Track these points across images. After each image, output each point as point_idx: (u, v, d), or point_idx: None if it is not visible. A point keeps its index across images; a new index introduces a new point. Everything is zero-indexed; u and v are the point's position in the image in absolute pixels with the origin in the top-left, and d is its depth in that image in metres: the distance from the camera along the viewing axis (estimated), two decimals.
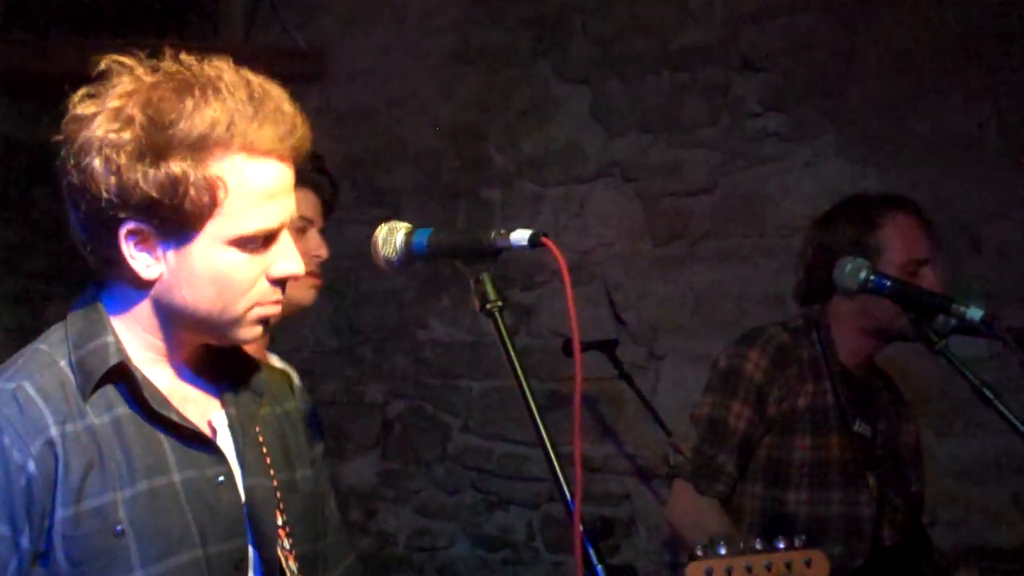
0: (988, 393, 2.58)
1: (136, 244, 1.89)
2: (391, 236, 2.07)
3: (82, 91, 1.90)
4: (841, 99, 4.85)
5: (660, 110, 5.21)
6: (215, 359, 2.10)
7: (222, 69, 1.90)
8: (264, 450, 2.08)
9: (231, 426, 2.05)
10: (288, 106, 1.92)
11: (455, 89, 5.68)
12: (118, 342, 1.95)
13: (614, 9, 5.29)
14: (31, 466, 1.82)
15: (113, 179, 1.84)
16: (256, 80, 1.91)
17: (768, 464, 3.38)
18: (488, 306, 1.97)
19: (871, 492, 3.41)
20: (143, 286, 1.94)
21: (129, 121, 1.84)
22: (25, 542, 1.82)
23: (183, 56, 1.92)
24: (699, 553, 2.79)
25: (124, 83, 1.88)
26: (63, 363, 1.92)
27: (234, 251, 1.89)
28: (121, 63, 1.90)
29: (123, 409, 1.93)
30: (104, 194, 1.84)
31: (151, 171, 1.82)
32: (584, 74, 5.37)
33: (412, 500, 5.67)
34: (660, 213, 5.21)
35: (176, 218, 1.85)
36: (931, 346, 2.64)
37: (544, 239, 1.93)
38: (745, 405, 3.35)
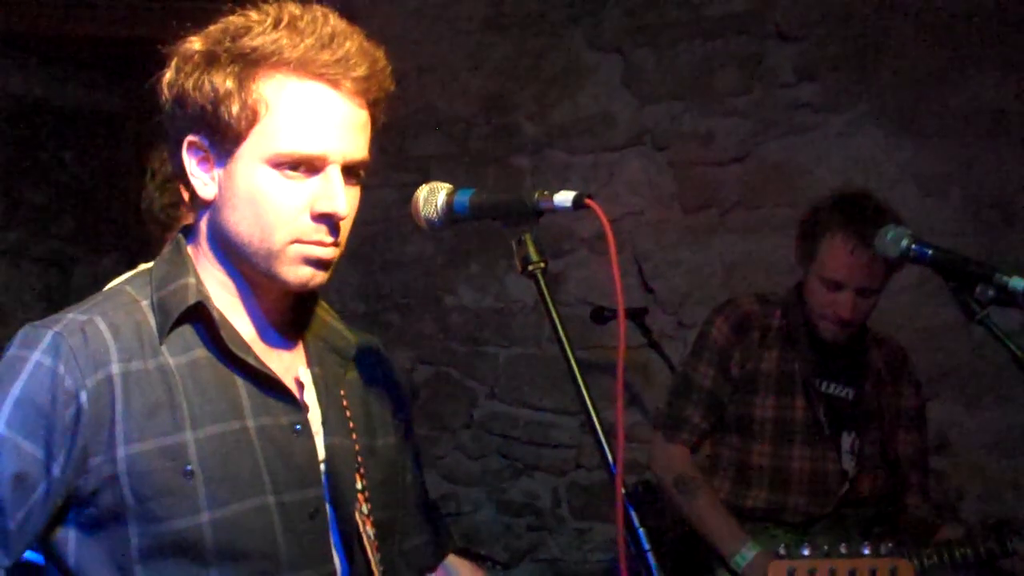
0: None
1: (198, 161, 1.92)
2: (432, 196, 2.04)
3: None
4: (875, 70, 4.82)
5: (692, 79, 5.18)
6: (303, 316, 2.09)
7: (311, 10, 1.90)
8: (348, 413, 2.07)
9: (316, 384, 2.04)
10: (357, 45, 1.90)
11: (486, 56, 5.66)
12: (199, 283, 1.95)
13: None
14: (83, 397, 1.82)
15: (176, 88, 1.90)
16: (337, 21, 1.91)
17: (737, 419, 3.72)
18: (530, 267, 1.95)
19: (851, 449, 3.69)
20: (205, 209, 1.96)
21: (205, 37, 1.90)
22: (56, 470, 1.82)
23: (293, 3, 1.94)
24: (782, 552, 2.83)
25: (230, 16, 1.93)
26: (145, 303, 1.94)
27: (272, 172, 1.88)
28: (242, 4, 1.95)
29: (201, 351, 1.93)
30: (168, 104, 1.92)
31: (202, 80, 1.87)
32: (616, 42, 5.34)
33: (438, 466, 5.68)
34: (691, 182, 5.19)
35: (219, 130, 1.88)
36: (972, 316, 2.61)
37: (588, 200, 1.91)
38: (709, 366, 3.71)
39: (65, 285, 5.88)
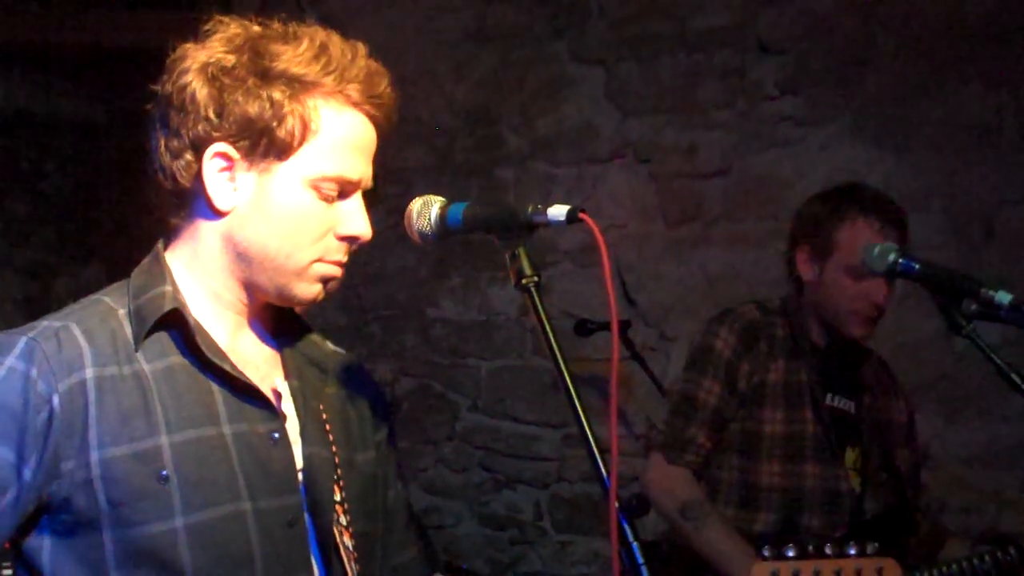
0: (1016, 378, 2.57)
1: (220, 169, 1.93)
2: (425, 210, 2.05)
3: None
4: (857, 84, 4.84)
5: (675, 92, 5.20)
6: (281, 328, 2.10)
7: (331, 35, 1.97)
8: (327, 426, 2.07)
9: (294, 395, 2.04)
10: (383, 77, 2.00)
11: (469, 68, 5.67)
12: (176, 291, 1.96)
13: None
14: (55, 401, 1.82)
15: (214, 96, 1.90)
16: (362, 49, 1.99)
17: (742, 436, 3.49)
18: (524, 281, 1.95)
19: (855, 466, 3.52)
20: (215, 217, 1.96)
21: (238, 49, 1.92)
22: (28, 474, 1.81)
23: (293, 23, 2.00)
24: (766, 553, 2.81)
25: (232, 28, 1.96)
26: (121, 312, 1.95)
27: (311, 193, 1.93)
28: (228, 19, 1.98)
29: (177, 358, 1.93)
30: (202, 111, 1.90)
31: (253, 92, 1.89)
32: (599, 55, 5.36)
33: (420, 478, 5.67)
34: (673, 195, 5.20)
35: (266, 145, 1.91)
36: (959, 330, 2.63)
37: (582, 215, 1.92)
38: (715, 381, 3.46)
39: (46, 296, 5.85)
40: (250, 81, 1.90)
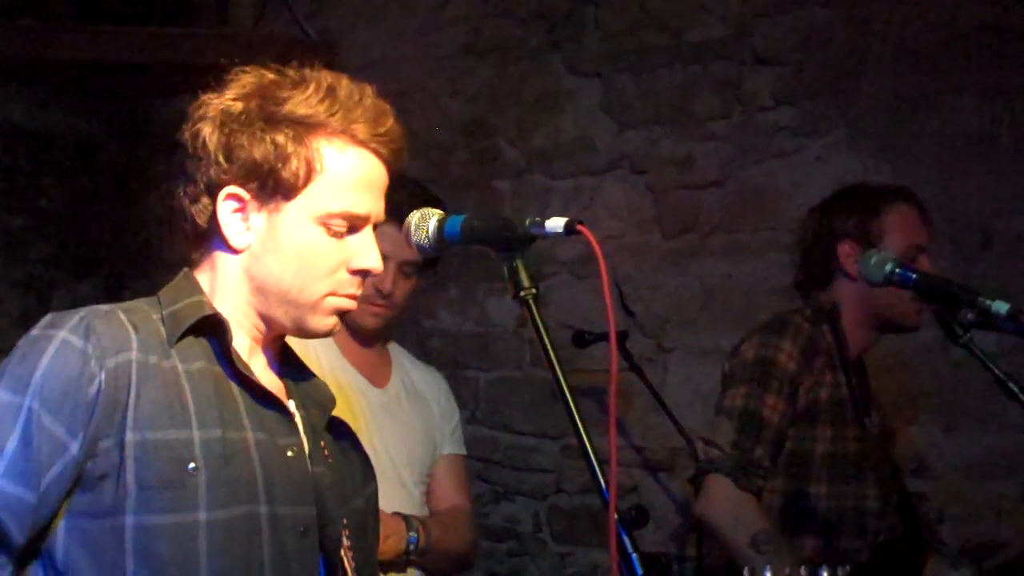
0: (1013, 387, 2.58)
1: (233, 210, 2.02)
2: (424, 222, 2.08)
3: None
4: (853, 94, 4.85)
5: (672, 103, 5.20)
6: (287, 364, 2.19)
7: (340, 77, 2.08)
8: (329, 460, 2.15)
9: (302, 421, 2.12)
10: (390, 116, 2.08)
11: (465, 81, 5.68)
12: (211, 302, 2.05)
13: (626, 3, 5.29)
14: (103, 377, 1.87)
15: (223, 142, 2.00)
16: (369, 90, 2.08)
17: (791, 457, 3.33)
18: (522, 293, 1.98)
19: (878, 485, 3.43)
20: (233, 253, 2.05)
21: (246, 97, 2.03)
22: (75, 449, 1.85)
23: (307, 68, 2.09)
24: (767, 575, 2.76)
25: (246, 77, 2.07)
26: (156, 317, 2.02)
27: (319, 230, 2.01)
28: (247, 69, 2.08)
29: (206, 363, 2.00)
30: (213, 156, 2.01)
31: (258, 136, 1.99)
32: (596, 67, 5.37)
33: None
34: (670, 206, 5.21)
35: (272, 185, 2.00)
36: (956, 339, 2.64)
37: (580, 226, 1.94)
38: (780, 398, 3.27)
39: (43, 310, 5.79)
40: (256, 126, 1.99)
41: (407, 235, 2.09)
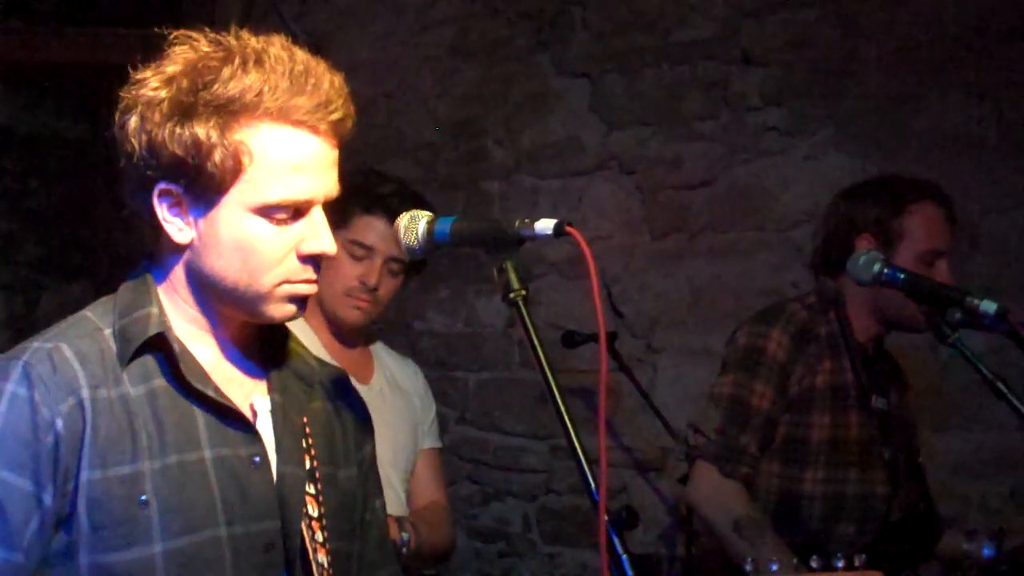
0: (1001, 386, 2.58)
1: (169, 207, 1.93)
2: (413, 224, 2.06)
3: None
4: (841, 94, 4.86)
5: (660, 104, 5.21)
6: (266, 343, 2.10)
7: (271, 43, 1.91)
8: (310, 440, 2.08)
9: (273, 411, 2.04)
10: (329, 83, 1.92)
11: (454, 82, 5.68)
12: (162, 313, 1.97)
13: (614, 3, 5.30)
14: (59, 424, 1.83)
15: (145, 137, 1.88)
16: (301, 55, 1.92)
17: (786, 443, 3.35)
18: (511, 295, 1.97)
19: (887, 468, 3.43)
20: (178, 251, 1.96)
21: (170, 83, 1.88)
22: (48, 499, 1.82)
23: (244, 32, 1.94)
24: (748, 568, 2.77)
25: (182, 51, 1.92)
26: (107, 331, 1.95)
27: (259, 220, 1.90)
28: (188, 36, 1.93)
29: (160, 381, 1.94)
30: (138, 151, 1.89)
31: (178, 130, 1.86)
32: (583, 68, 5.38)
33: None
34: (659, 206, 5.21)
35: (201, 180, 1.88)
36: (944, 339, 2.65)
37: (569, 228, 1.94)
38: (768, 385, 3.31)
39: (32, 313, 5.83)
40: (175, 119, 1.86)
41: (396, 237, 2.08)
